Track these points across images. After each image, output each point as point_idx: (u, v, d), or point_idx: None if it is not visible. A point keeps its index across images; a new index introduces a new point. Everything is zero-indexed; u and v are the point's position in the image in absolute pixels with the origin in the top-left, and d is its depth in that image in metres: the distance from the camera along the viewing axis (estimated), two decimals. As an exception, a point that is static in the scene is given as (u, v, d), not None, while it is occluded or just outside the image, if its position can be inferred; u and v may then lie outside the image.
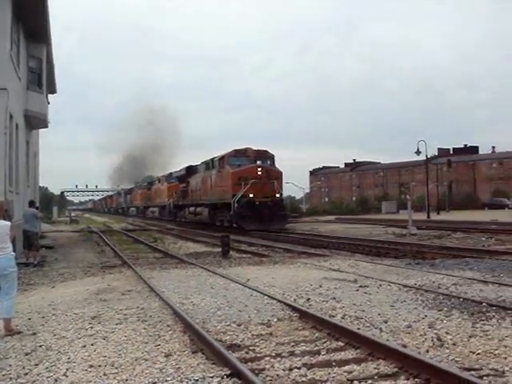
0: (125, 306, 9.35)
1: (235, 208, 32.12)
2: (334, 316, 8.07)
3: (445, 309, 8.32)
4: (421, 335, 6.82)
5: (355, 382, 5.20)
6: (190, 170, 45.49)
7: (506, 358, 5.76)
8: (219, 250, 18.98)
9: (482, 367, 5.50)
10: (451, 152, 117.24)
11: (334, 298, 9.53)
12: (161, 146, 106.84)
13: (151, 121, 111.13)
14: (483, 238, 25.01)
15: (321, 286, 10.88)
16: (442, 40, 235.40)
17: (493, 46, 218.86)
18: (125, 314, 8.65)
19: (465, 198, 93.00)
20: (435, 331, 6.97)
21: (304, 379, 5.36)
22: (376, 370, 5.52)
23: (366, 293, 10.03)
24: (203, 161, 41.10)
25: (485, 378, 5.15)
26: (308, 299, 9.53)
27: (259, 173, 32.89)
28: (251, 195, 32.07)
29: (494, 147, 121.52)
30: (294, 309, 8.50)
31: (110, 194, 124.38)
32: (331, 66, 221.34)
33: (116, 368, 5.89)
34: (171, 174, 56.56)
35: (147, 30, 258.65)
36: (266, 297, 9.70)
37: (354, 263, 15.10)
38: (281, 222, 33.17)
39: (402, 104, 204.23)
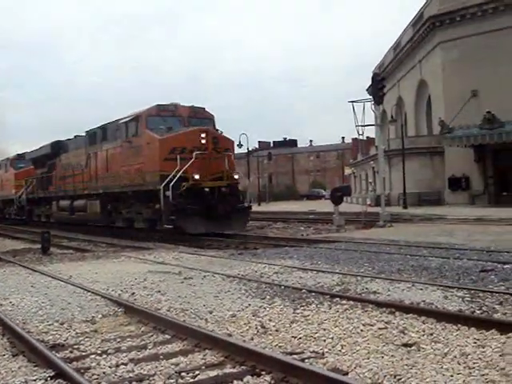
0: None
1: (167, 198, 19.45)
2: (159, 309, 8.01)
3: (267, 297, 8.59)
4: (245, 324, 6.98)
5: (183, 373, 5.19)
6: (58, 148, 31.13)
7: (325, 341, 6.05)
8: (39, 246, 18.10)
9: (304, 350, 5.74)
10: (271, 145, 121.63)
11: (159, 291, 9.46)
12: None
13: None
14: (302, 228, 26.29)
15: (145, 280, 10.77)
16: (265, 34, 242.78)
17: (319, 41, 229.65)
18: None
19: (284, 190, 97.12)
20: (259, 319, 7.16)
21: (131, 375, 5.24)
22: (203, 361, 5.55)
23: (190, 284, 10.08)
24: (88, 129, 27.15)
25: (306, 360, 5.38)
26: (133, 293, 9.38)
27: (203, 141, 20.25)
28: (196, 177, 19.80)
29: (311, 141, 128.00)
30: (119, 304, 8.31)
31: None
32: (155, 58, 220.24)
33: None
34: (21, 155, 39.51)
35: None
36: (89, 293, 9.40)
37: (178, 255, 15.15)
38: (241, 219, 21.16)
39: (224, 97, 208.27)
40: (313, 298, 8.39)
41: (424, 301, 7.88)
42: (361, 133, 28.88)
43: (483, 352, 5.43)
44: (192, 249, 17.38)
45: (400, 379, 4.79)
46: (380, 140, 30.34)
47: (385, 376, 4.87)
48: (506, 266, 10.42)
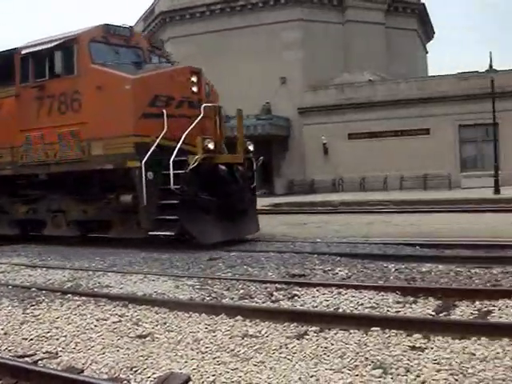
0: None
1: (152, 183, 12.12)
2: None
3: (-6, 298, 8.05)
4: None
5: None
6: None
7: (58, 340, 5.87)
8: None
9: (37, 352, 5.51)
10: None
11: None
12: None
13: None
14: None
15: None
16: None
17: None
18: None
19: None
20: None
21: None
22: None
23: None
24: None
25: (40, 362, 5.17)
26: None
27: (194, 88, 13.11)
28: (210, 146, 12.26)
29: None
30: None
31: None
32: None
33: None
34: None
35: None
36: None
37: None
38: (254, 214, 14.01)
39: None
40: (43, 296, 8.06)
41: (156, 291, 8.05)
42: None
43: (214, 336, 5.74)
44: None
45: (136, 371, 4.85)
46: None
47: (121, 369, 4.89)
48: (232, 254, 11.07)
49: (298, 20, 41.88)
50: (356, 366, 4.74)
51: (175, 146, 11.97)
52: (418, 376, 4.41)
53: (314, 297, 7.31)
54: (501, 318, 6.02)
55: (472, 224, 15.00)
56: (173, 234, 12.19)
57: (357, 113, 37.90)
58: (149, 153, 11.92)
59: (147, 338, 5.82)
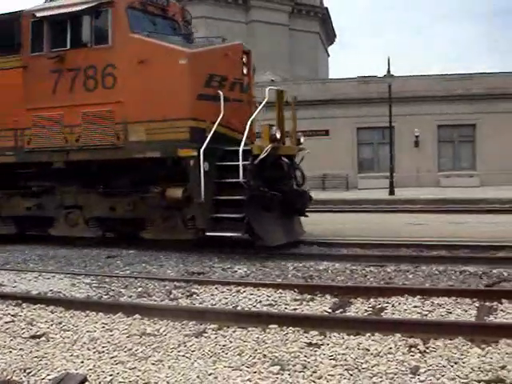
0: None
1: (207, 176, 10.22)
2: None
3: None
4: None
5: None
6: None
7: None
8: None
9: None
10: None
11: None
12: None
13: None
14: None
15: None
16: None
17: None
18: None
19: None
20: None
21: None
22: None
23: None
24: None
25: None
26: None
27: (245, 69, 11.71)
28: (278, 135, 10.70)
29: None
30: None
31: None
32: None
33: None
34: None
35: None
36: None
37: None
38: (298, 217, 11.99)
39: None
40: None
41: (52, 290, 7.83)
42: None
43: (112, 335, 5.64)
44: None
45: (30, 372, 4.69)
46: None
47: (14, 371, 4.72)
48: (130, 252, 10.91)
49: (201, 17, 41.81)
50: (254, 363, 4.78)
51: (228, 134, 10.87)
52: (314, 372, 4.51)
53: (212, 295, 7.33)
54: (394, 314, 6.26)
55: (369, 224, 15.46)
56: (239, 234, 10.36)
57: (258, 112, 37.88)
58: (207, 140, 10.16)
59: (42, 338, 5.64)
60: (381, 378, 4.37)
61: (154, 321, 6.11)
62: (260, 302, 6.93)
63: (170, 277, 8.57)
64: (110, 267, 9.60)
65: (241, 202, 10.09)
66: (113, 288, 7.87)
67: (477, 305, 6.41)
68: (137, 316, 6.24)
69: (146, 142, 10.68)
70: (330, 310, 6.51)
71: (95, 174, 11.60)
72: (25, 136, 11.78)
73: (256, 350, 5.07)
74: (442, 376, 4.35)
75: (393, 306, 6.53)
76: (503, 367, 4.45)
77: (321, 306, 6.68)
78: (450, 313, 6.19)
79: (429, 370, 4.47)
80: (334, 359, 4.79)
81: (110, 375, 4.54)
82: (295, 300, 6.92)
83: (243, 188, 9.98)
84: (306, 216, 11.78)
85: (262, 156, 10.22)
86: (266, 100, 10.64)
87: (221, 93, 10.58)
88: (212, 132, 10.26)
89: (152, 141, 10.61)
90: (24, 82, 11.70)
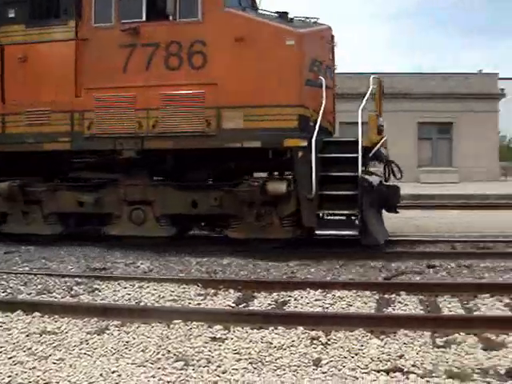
0: None
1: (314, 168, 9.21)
2: None
3: None
4: None
5: None
6: None
7: None
8: None
9: None
10: None
11: None
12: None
13: None
14: None
15: None
16: None
17: None
18: None
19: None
20: None
21: None
22: None
23: None
24: None
25: None
26: None
27: (330, 54, 11.08)
28: (383, 125, 10.12)
29: None
30: None
31: None
32: None
33: None
34: None
35: None
36: None
37: None
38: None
39: None
40: None
41: None
42: None
43: (10, 334, 5.45)
44: None
45: None
46: None
47: None
48: (29, 248, 10.52)
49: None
50: (158, 359, 4.77)
51: (321, 123, 9.60)
52: (218, 366, 4.55)
53: (115, 291, 7.22)
54: (296, 307, 6.40)
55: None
56: (355, 233, 9.25)
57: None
58: (316, 129, 9.23)
59: None
60: (284, 370, 4.46)
61: (54, 318, 5.95)
62: (163, 297, 6.88)
63: (71, 273, 8.36)
64: (8, 263, 9.22)
65: (351, 198, 9.24)
66: (11, 285, 7.57)
67: (376, 297, 6.66)
68: (36, 314, 6.06)
69: (242, 130, 9.53)
70: (233, 305, 6.57)
71: (169, 164, 10.33)
72: (85, 120, 10.16)
73: (160, 346, 5.05)
74: (343, 367, 4.49)
75: (295, 299, 6.66)
76: (401, 356, 4.66)
77: (224, 300, 6.72)
78: (351, 305, 6.38)
79: (331, 361, 4.61)
80: (238, 353, 4.84)
81: (9, 376, 4.38)
82: (199, 295, 6.93)
83: (357, 183, 9.14)
84: (397, 212, 10.69)
85: (376, 149, 9.62)
86: (371, 88, 9.88)
87: (323, 79, 9.75)
88: (319, 120, 9.40)
89: (250, 128, 9.49)
90: (83, 56, 10.14)
